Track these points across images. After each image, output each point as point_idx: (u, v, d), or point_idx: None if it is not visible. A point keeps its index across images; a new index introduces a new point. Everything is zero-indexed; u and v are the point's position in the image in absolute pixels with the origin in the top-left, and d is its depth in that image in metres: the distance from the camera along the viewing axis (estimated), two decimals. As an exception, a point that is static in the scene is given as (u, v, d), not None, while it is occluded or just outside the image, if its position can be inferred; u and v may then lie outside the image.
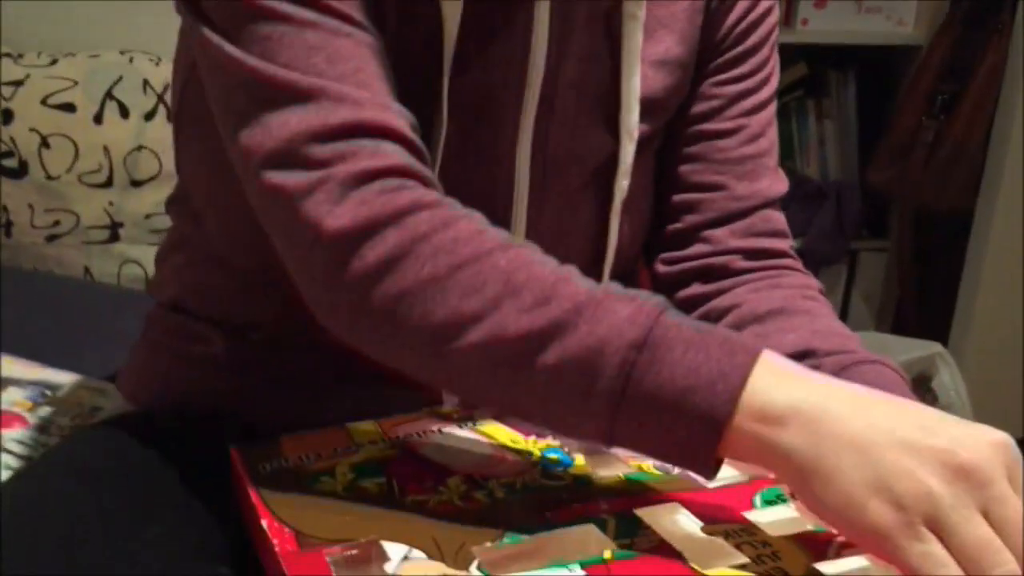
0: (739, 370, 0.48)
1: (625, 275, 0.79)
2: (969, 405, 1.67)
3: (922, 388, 1.71)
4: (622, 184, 0.71)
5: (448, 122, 0.64)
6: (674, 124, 0.76)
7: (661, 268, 0.79)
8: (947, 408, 1.67)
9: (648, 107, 0.70)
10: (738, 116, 0.76)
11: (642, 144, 0.71)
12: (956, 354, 1.74)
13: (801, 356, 0.67)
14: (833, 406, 0.48)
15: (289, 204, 0.53)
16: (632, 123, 0.69)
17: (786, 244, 0.78)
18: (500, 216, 0.67)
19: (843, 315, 2.05)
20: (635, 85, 0.69)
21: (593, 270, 0.72)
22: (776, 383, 0.48)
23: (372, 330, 0.54)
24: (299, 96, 0.54)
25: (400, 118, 0.56)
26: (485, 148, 0.67)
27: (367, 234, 0.52)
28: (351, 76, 0.55)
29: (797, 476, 0.48)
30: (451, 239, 0.52)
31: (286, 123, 0.54)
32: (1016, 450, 0.48)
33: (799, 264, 0.78)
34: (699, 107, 0.75)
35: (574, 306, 0.51)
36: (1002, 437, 0.47)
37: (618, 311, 0.50)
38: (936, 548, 0.45)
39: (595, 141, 0.70)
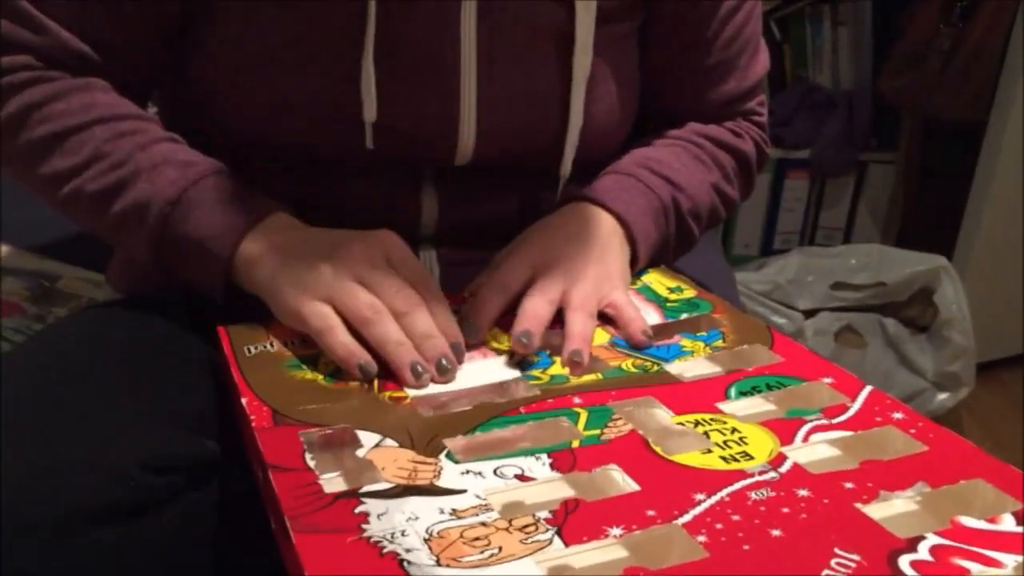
0: (240, 226, 0.64)
1: (608, 160, 0.78)
2: (970, 320, 1.67)
3: (924, 301, 1.71)
4: (582, 61, 0.70)
5: None
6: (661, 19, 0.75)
7: None
8: (949, 322, 1.67)
9: None
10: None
11: (605, 21, 0.70)
12: (960, 269, 1.73)
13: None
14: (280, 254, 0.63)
15: None
16: None
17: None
18: (449, 81, 0.66)
19: (849, 226, 2.03)
20: None
21: (555, 146, 0.72)
22: (260, 236, 0.64)
23: (15, 176, 0.69)
24: None
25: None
26: (429, 12, 0.66)
27: None
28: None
29: (268, 299, 0.64)
30: (60, 110, 0.65)
31: None
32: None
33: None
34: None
35: (136, 169, 0.65)
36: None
37: (167, 174, 0.65)
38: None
39: (543, 8, 0.68)
